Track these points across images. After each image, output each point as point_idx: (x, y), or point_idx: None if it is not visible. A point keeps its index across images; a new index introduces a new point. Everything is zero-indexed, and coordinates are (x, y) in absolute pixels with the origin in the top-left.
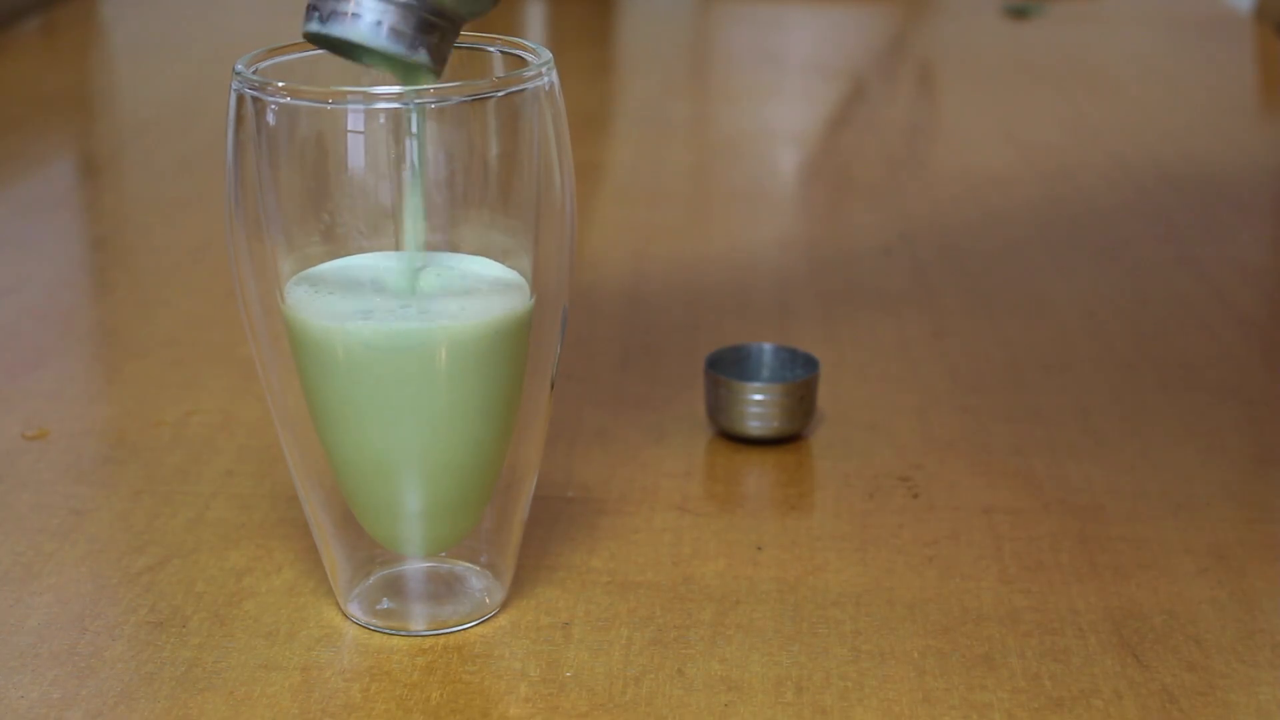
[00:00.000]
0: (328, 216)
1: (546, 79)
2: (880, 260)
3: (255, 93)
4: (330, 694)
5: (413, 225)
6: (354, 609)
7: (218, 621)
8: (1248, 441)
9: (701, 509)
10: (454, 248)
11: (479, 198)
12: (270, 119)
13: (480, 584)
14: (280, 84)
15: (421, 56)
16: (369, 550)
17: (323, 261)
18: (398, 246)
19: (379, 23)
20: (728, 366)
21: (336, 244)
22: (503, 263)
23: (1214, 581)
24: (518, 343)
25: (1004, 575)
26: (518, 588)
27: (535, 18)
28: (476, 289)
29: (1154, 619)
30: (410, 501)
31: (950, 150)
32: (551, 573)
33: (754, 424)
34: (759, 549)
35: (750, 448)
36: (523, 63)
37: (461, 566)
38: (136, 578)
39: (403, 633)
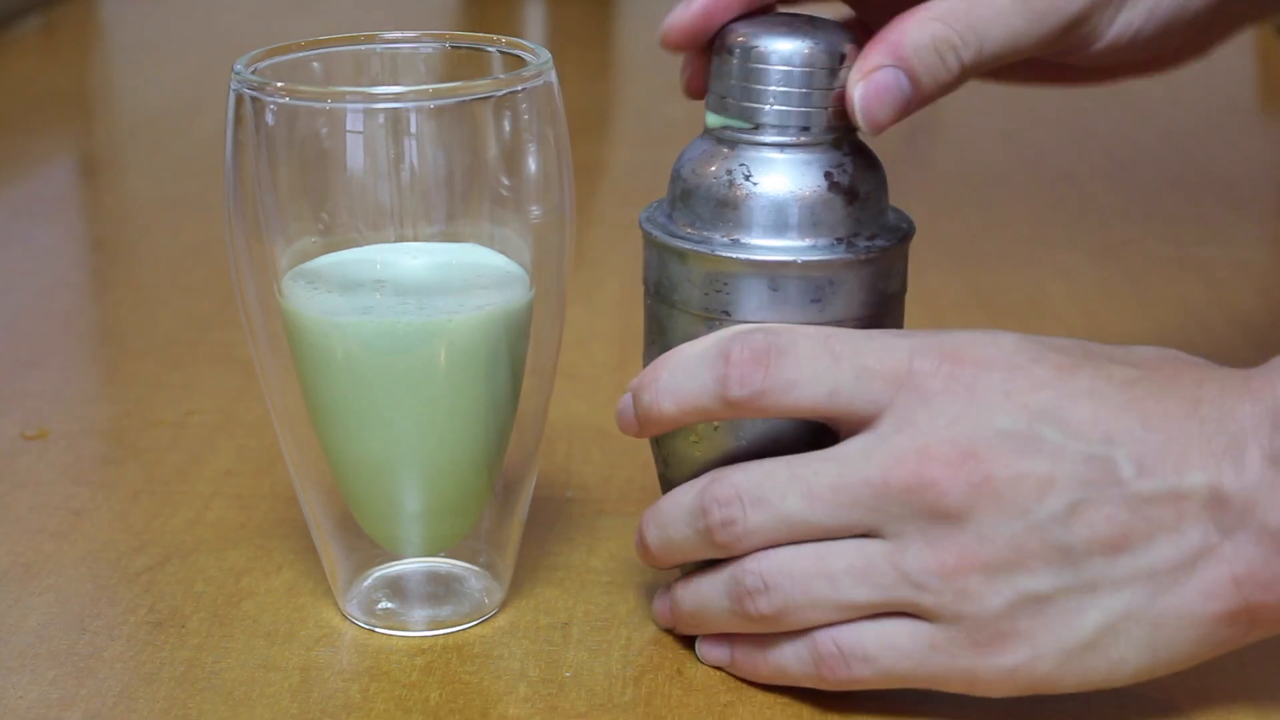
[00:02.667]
0: (327, 216)
1: (546, 79)
2: None
3: (254, 93)
4: (329, 694)
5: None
6: (353, 609)
7: (217, 621)
8: None
9: None
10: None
11: (478, 199)
12: (269, 119)
13: (479, 584)
14: (279, 84)
15: None
16: (368, 550)
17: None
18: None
19: None
20: None
21: (335, 244)
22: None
23: None
24: (517, 337)
25: None
26: (517, 588)
27: (535, 18)
28: (476, 283)
29: None
30: (409, 501)
31: (950, 150)
32: (551, 573)
33: None
34: None
35: None
36: (522, 63)
37: (460, 567)
38: (136, 578)
39: (402, 633)
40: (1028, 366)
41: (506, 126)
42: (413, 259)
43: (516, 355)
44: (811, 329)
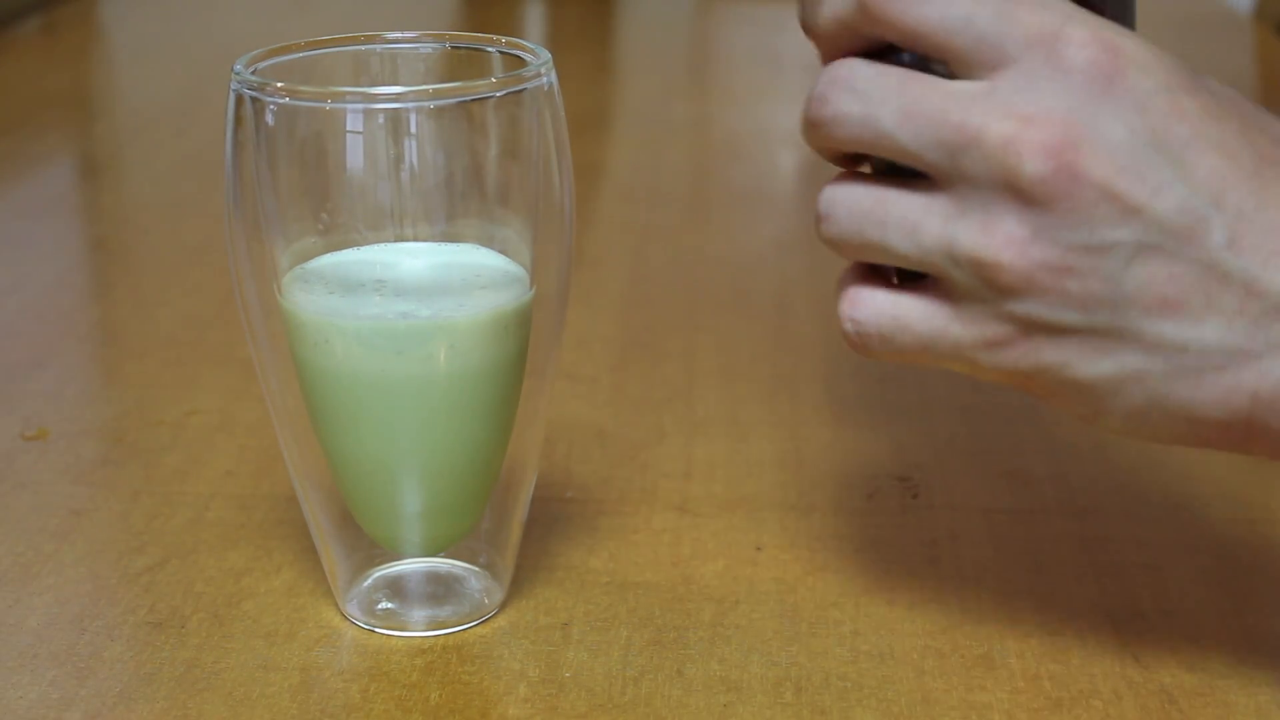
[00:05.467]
0: (326, 216)
1: (546, 79)
2: None
3: (254, 93)
4: (329, 694)
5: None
6: (353, 609)
7: (217, 622)
8: None
9: (701, 509)
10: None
11: (478, 199)
12: (269, 119)
13: (479, 584)
14: (279, 84)
15: None
16: (368, 551)
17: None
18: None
19: None
20: None
21: (336, 244)
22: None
23: (1214, 581)
24: (518, 338)
25: (1004, 575)
26: (517, 588)
27: (535, 18)
28: (476, 283)
29: (1154, 619)
30: (409, 501)
31: None
32: (551, 573)
33: None
34: (758, 549)
35: (748, 447)
36: (522, 63)
37: (460, 567)
38: (135, 578)
39: (402, 633)
40: (1178, 91)
41: (506, 127)
42: (413, 259)
43: (516, 355)
44: None
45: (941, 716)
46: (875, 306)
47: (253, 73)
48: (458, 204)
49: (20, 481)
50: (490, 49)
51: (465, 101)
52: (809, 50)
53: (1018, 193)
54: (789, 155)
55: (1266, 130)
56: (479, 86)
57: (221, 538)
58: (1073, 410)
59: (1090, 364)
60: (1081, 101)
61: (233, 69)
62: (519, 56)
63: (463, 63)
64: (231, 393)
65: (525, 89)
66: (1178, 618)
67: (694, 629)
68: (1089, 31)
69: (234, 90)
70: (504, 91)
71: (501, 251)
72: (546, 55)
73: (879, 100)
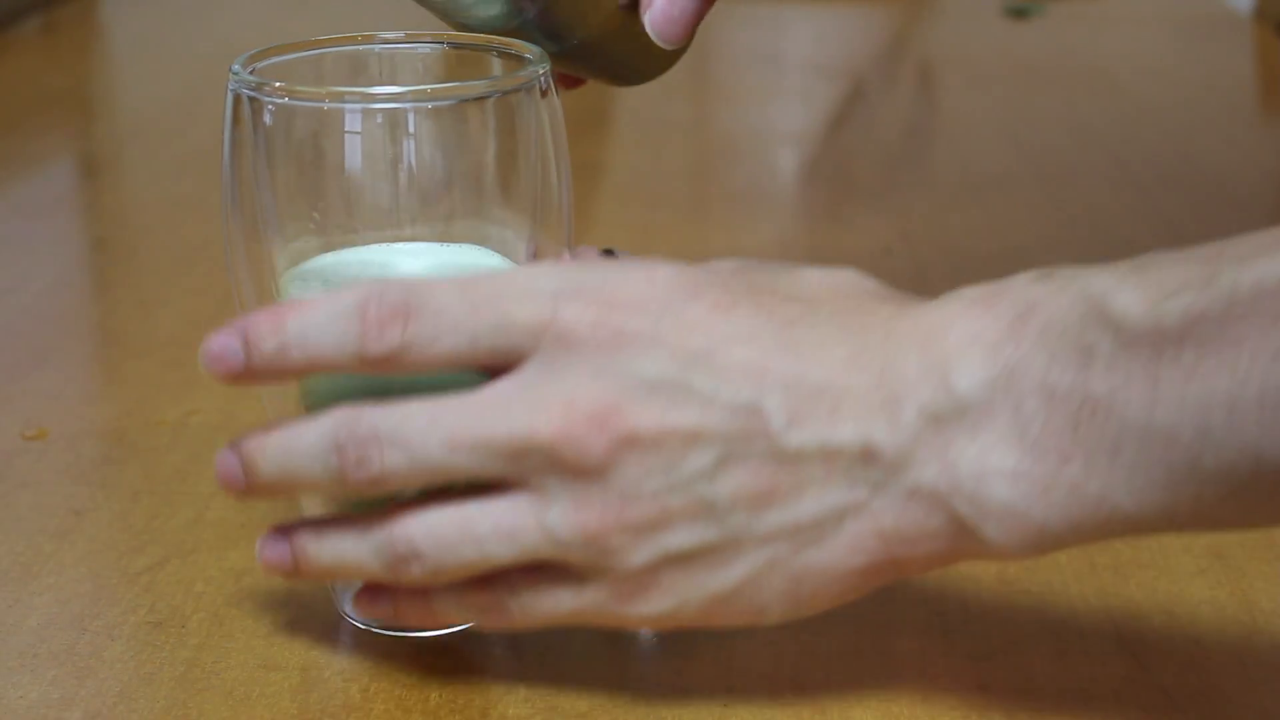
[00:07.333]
0: (325, 217)
1: (544, 78)
2: (880, 260)
3: (252, 93)
4: (329, 694)
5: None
6: (353, 609)
7: (217, 621)
8: None
9: None
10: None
11: (476, 199)
12: (267, 119)
13: None
14: (277, 84)
15: None
16: None
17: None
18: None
19: None
20: None
21: (333, 244)
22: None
23: (1214, 581)
24: None
25: (1004, 575)
26: None
27: None
28: None
29: (1154, 619)
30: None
31: (950, 150)
32: None
33: None
34: None
35: None
36: (520, 62)
37: None
38: (136, 578)
39: (402, 633)
40: (681, 307)
41: (505, 127)
42: (411, 260)
43: None
44: (450, 279)
45: (941, 716)
46: (511, 588)
47: (251, 73)
48: (456, 204)
49: (20, 481)
50: (489, 49)
51: (463, 101)
52: (809, 51)
53: (589, 473)
54: (788, 155)
55: (779, 291)
56: (477, 86)
57: (221, 538)
58: (738, 622)
59: (724, 574)
60: (602, 366)
61: (231, 69)
62: (517, 56)
63: (461, 62)
64: (231, 393)
65: (523, 89)
66: (1178, 618)
67: (694, 628)
68: (579, 304)
69: (232, 90)
70: (502, 91)
71: (500, 252)
72: (545, 55)
73: (419, 442)
